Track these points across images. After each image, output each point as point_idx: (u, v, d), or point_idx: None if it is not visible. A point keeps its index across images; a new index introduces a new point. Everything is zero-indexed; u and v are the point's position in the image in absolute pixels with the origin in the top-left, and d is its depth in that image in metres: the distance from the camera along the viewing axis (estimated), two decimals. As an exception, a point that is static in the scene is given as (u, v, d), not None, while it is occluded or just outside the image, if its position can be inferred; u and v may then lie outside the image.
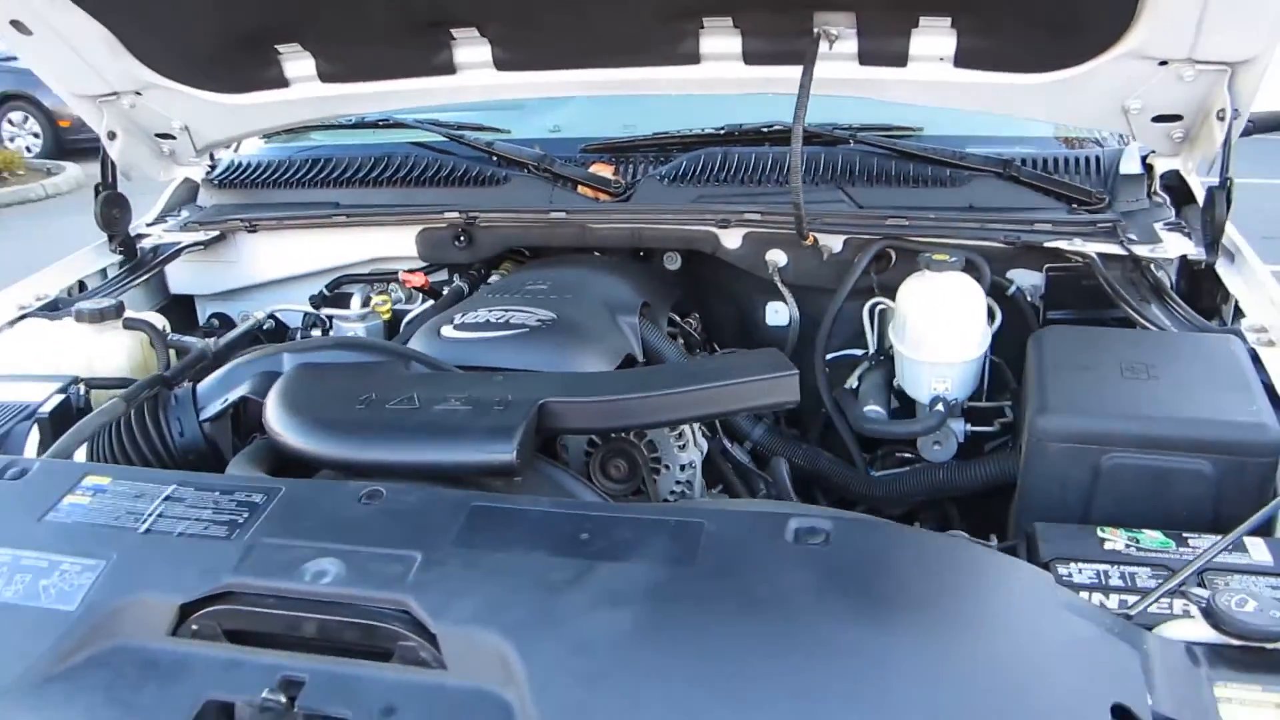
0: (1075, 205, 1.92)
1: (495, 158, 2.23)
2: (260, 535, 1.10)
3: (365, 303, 2.19)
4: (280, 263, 2.30)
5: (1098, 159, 2.05)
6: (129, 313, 1.85)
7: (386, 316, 2.16)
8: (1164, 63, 1.66)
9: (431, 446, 1.29)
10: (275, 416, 1.38)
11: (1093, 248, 1.80)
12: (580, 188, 2.11)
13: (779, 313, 2.13)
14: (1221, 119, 1.71)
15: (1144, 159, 2.02)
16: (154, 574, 1.07)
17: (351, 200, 2.25)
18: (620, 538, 1.06)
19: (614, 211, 2.04)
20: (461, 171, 2.22)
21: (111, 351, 1.78)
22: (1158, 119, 1.82)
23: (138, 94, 2.07)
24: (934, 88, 1.87)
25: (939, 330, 1.61)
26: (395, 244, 2.22)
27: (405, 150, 2.33)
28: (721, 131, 2.20)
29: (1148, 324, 1.62)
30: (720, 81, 1.90)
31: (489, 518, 1.12)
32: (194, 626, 1.01)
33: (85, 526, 1.14)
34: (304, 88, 2.08)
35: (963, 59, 1.78)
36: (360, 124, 2.46)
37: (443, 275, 2.24)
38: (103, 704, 0.94)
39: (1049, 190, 1.95)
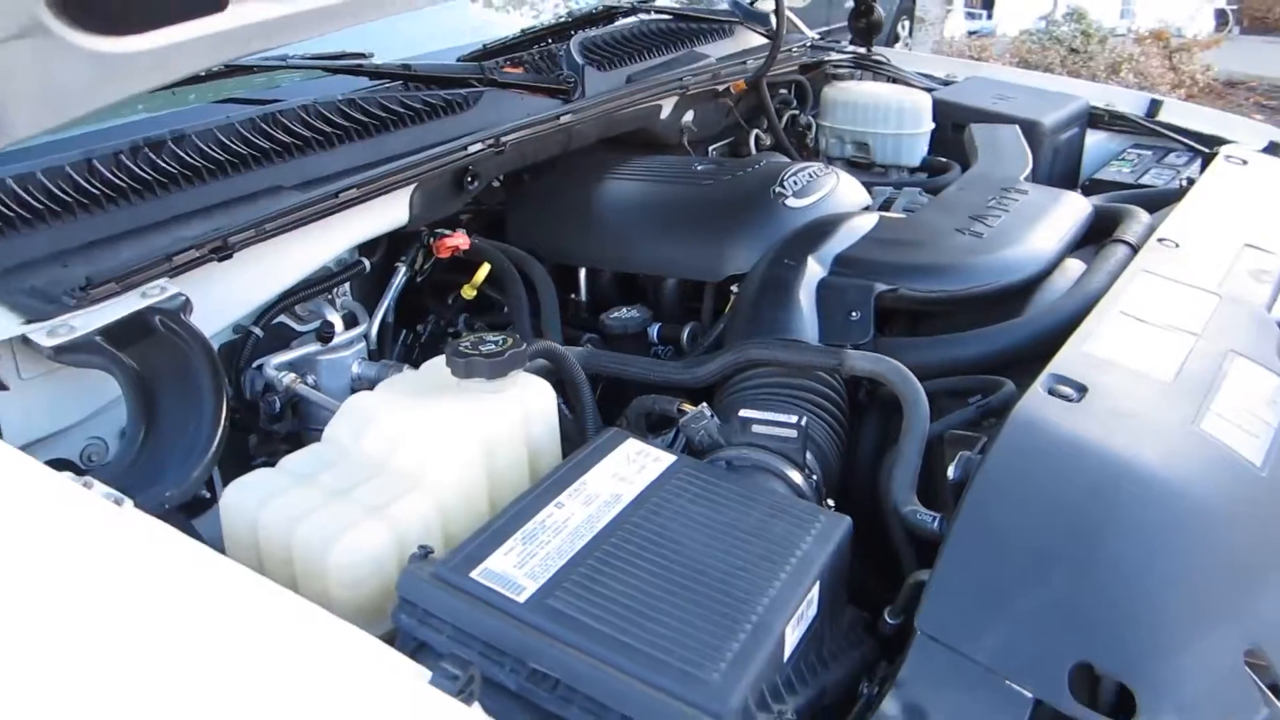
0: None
1: (422, 83, 1.82)
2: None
3: (352, 319, 1.65)
4: (258, 295, 1.50)
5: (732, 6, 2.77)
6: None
7: (471, 295, 1.70)
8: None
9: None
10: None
11: (837, 56, 2.61)
12: (528, 94, 1.94)
13: None
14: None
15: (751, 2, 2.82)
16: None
17: (299, 176, 1.59)
18: None
19: (590, 107, 1.98)
20: (413, 103, 1.76)
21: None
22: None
23: None
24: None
25: (923, 105, 2.25)
26: (375, 216, 1.67)
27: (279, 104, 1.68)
28: (568, 20, 2.21)
29: (915, 84, 2.54)
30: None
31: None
32: None
33: None
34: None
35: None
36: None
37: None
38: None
39: (759, 31, 2.63)
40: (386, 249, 1.76)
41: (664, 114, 2.17)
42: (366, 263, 1.69)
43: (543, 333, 1.62)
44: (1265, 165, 1.85)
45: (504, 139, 1.77)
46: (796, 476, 1.09)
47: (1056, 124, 2.24)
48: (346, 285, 1.71)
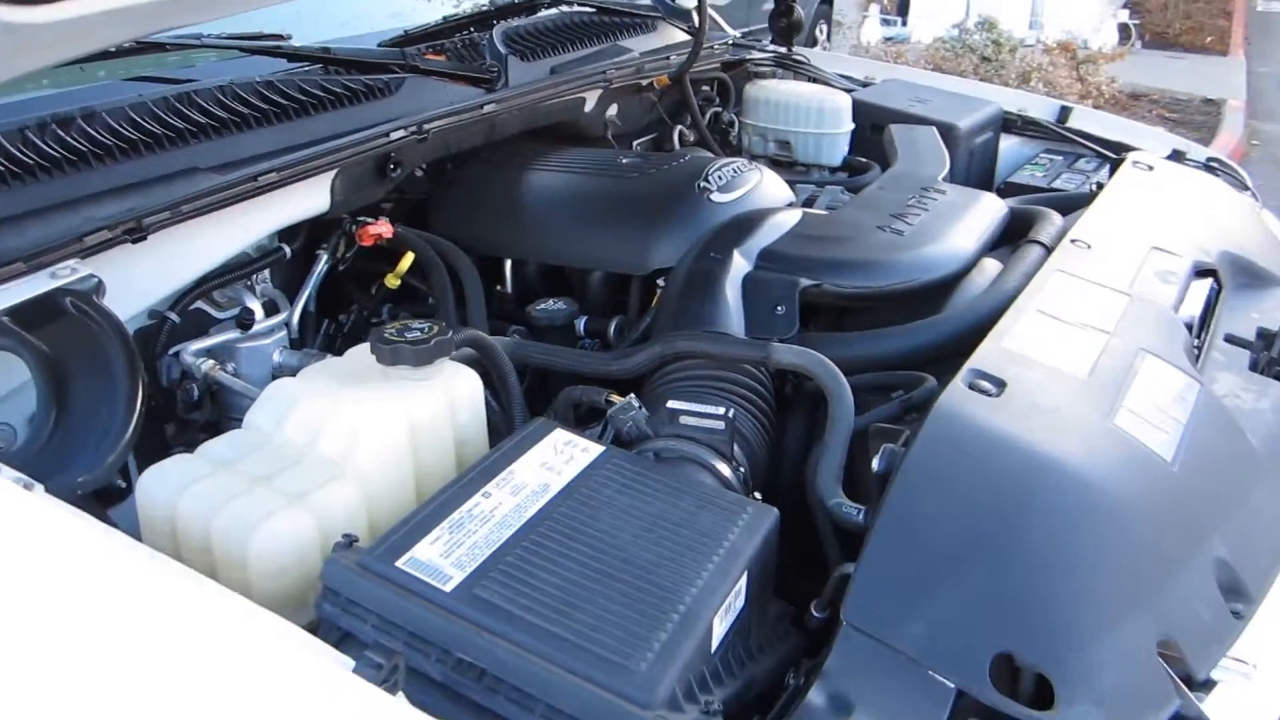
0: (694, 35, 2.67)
1: (341, 66, 1.78)
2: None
3: (273, 307, 1.61)
4: (174, 279, 1.44)
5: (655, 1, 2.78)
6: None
7: (397, 283, 1.66)
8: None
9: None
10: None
11: (759, 55, 2.63)
12: (450, 82, 1.91)
13: None
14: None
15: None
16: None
17: (217, 158, 1.54)
18: None
19: (514, 97, 1.95)
20: (335, 88, 1.72)
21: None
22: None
23: None
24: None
25: (844, 105, 2.27)
26: (295, 202, 1.63)
27: (185, 87, 1.62)
28: (491, 8, 2.18)
29: (835, 84, 2.58)
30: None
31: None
32: None
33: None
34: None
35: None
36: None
37: None
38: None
39: (681, 27, 2.64)
40: (308, 236, 1.71)
41: (588, 107, 2.16)
42: (287, 249, 1.65)
43: (468, 323, 1.60)
44: (1169, 171, 1.93)
45: (427, 126, 1.74)
46: (724, 468, 1.10)
47: (972, 127, 2.30)
48: (266, 272, 1.66)
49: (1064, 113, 2.42)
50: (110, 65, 1.65)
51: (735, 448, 1.14)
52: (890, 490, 0.98)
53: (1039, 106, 2.47)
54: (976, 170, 2.36)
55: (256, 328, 1.57)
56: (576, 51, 2.20)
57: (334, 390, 1.10)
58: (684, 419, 1.11)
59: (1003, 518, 0.96)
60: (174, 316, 1.47)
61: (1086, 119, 2.39)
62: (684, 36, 2.60)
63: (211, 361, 1.43)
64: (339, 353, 1.73)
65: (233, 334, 1.53)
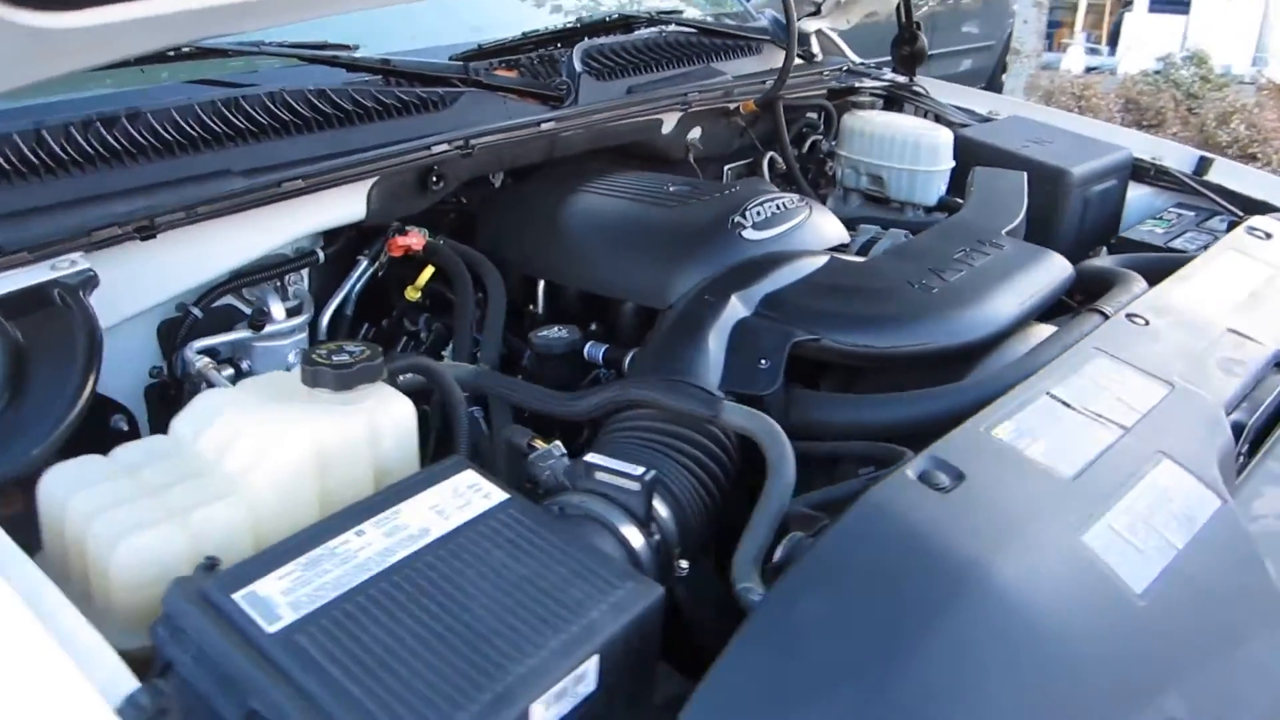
0: (808, 61, 2.55)
1: (400, 78, 1.80)
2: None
3: (297, 309, 1.62)
4: (191, 276, 1.49)
5: (768, 25, 2.68)
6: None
7: (417, 295, 1.66)
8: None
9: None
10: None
11: (871, 83, 2.49)
12: (511, 96, 1.90)
13: None
14: (891, -21, 2.53)
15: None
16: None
17: (251, 162, 1.58)
18: None
19: (579, 115, 1.92)
20: (385, 99, 1.74)
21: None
22: (832, -15, 2.55)
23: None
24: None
25: (943, 141, 2.12)
26: (329, 209, 1.65)
27: (236, 91, 1.68)
28: (578, 25, 2.16)
29: (952, 119, 2.40)
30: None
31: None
32: None
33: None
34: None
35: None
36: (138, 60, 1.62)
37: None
38: None
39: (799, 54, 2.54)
40: (352, 241, 1.73)
41: (666, 129, 2.09)
42: (321, 253, 1.67)
43: (485, 339, 1.57)
44: (1291, 241, 1.68)
45: (474, 141, 1.73)
46: (632, 532, 1.01)
47: (1088, 174, 2.09)
48: (304, 273, 1.69)
49: (1203, 164, 2.16)
50: (174, 68, 1.71)
51: (662, 511, 1.05)
52: (774, 587, 0.87)
53: (1176, 155, 2.21)
54: (1093, 221, 2.14)
55: (274, 328, 1.59)
56: (660, 72, 2.13)
57: (253, 406, 1.08)
58: (599, 474, 1.03)
59: (898, 635, 0.83)
60: (196, 311, 1.51)
61: (1229, 173, 2.13)
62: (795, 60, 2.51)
63: (206, 360, 1.45)
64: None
65: (245, 333, 1.55)
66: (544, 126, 1.83)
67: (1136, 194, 2.24)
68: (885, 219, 2.16)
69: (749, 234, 1.55)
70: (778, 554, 0.92)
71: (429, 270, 1.67)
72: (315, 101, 1.69)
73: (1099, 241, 2.15)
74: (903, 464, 1.00)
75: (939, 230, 1.64)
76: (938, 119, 2.42)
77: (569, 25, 2.19)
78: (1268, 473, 1.16)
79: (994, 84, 6.27)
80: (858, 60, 2.65)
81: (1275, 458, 1.19)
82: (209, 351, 1.53)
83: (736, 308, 1.32)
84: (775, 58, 2.48)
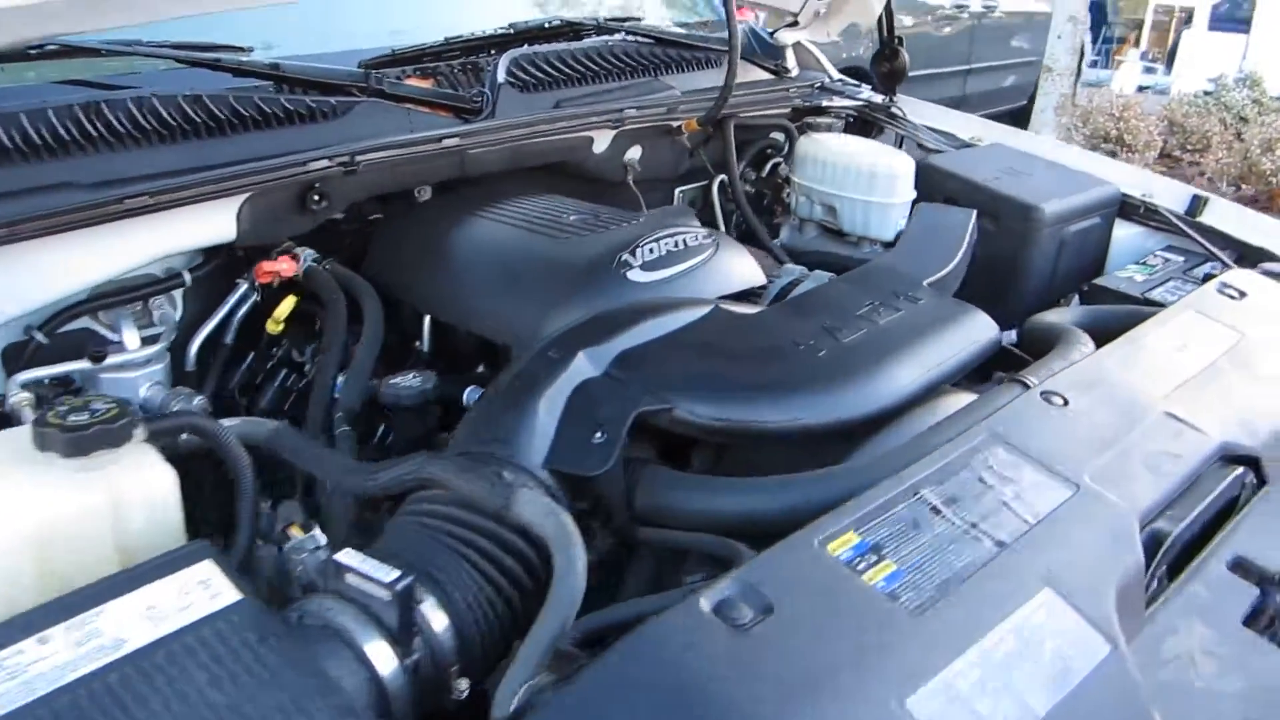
0: (780, 76, 2.36)
1: (292, 85, 1.65)
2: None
3: (155, 337, 1.48)
4: (36, 296, 1.36)
5: (744, 35, 2.49)
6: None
7: (280, 328, 1.51)
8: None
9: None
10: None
11: (844, 102, 2.29)
12: (420, 107, 1.74)
13: None
14: (881, -9, 2.33)
15: (771, 33, 2.52)
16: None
17: (99, 174, 1.44)
18: None
19: (496, 130, 1.75)
20: (267, 108, 1.59)
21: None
22: (820, -6, 2.36)
23: None
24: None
25: (901, 170, 1.92)
26: (192, 229, 1.50)
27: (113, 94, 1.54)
28: (511, 31, 2.00)
29: (926, 144, 2.20)
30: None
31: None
32: None
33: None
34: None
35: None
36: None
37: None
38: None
39: (761, 65, 2.35)
40: (232, 264, 1.59)
41: (599, 148, 1.92)
42: (187, 275, 1.52)
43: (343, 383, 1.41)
44: (1268, 300, 1.46)
45: (360, 157, 1.57)
46: (378, 651, 0.84)
47: (1065, 211, 1.88)
48: (178, 297, 1.55)
49: (1196, 203, 1.94)
50: (41, 67, 1.58)
51: (437, 620, 0.89)
52: None
53: (1169, 192, 1.99)
54: (1069, 263, 1.93)
55: (123, 358, 1.45)
56: (597, 85, 1.96)
57: (-26, 471, 0.93)
58: (350, 577, 0.86)
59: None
60: (39, 336, 1.38)
61: (1224, 214, 1.90)
62: (764, 75, 2.32)
63: (22, 395, 1.31)
64: (259, 389, 1.63)
65: (82, 364, 1.41)
66: (447, 142, 1.67)
67: (1126, 233, 2.03)
68: (839, 254, 1.98)
69: (635, 275, 1.38)
70: (513, 702, 0.75)
71: (290, 301, 1.51)
72: (187, 108, 1.54)
73: (1073, 285, 1.93)
74: (704, 585, 0.82)
75: (852, 278, 1.45)
76: (917, 145, 2.22)
77: (501, 31, 2.02)
78: (1189, 601, 0.96)
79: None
80: (835, 77, 2.46)
81: (1202, 581, 0.98)
82: (63, 380, 1.40)
83: (582, 366, 1.14)
84: (744, 72, 2.30)
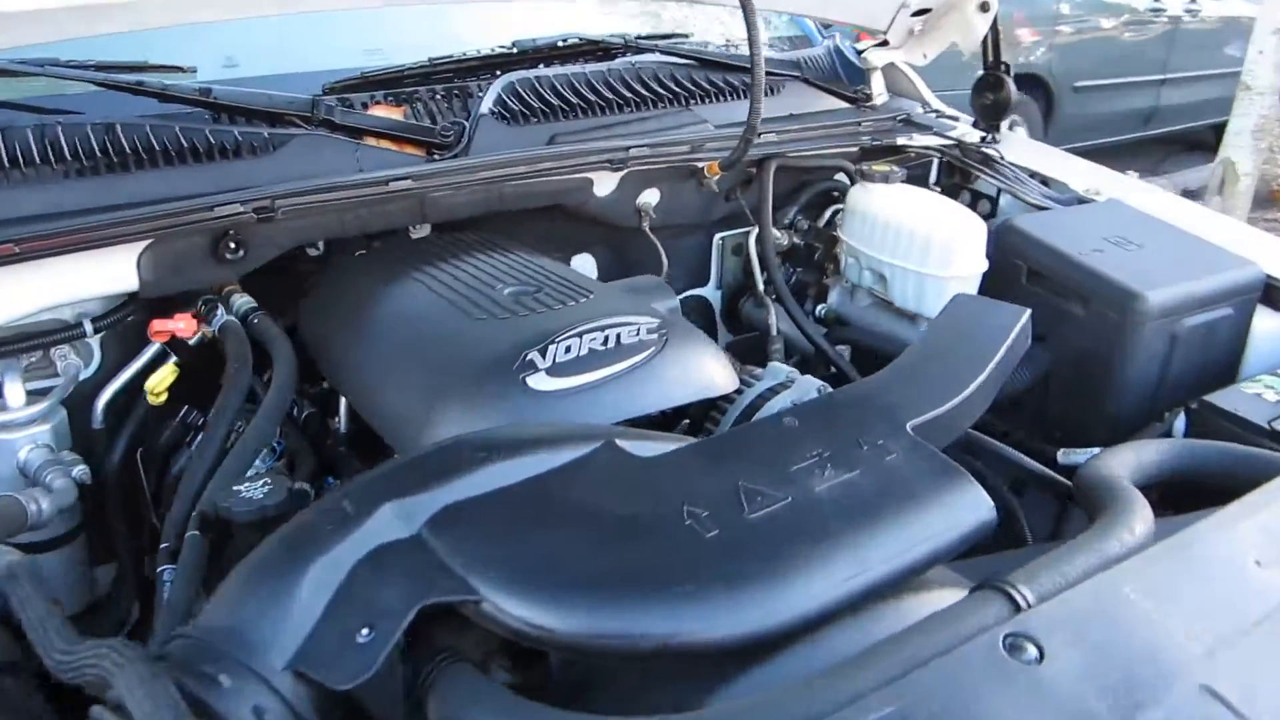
0: (857, 104, 2.00)
1: (226, 113, 1.45)
2: None
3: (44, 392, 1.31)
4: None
5: (821, 57, 2.13)
6: None
7: (162, 399, 1.31)
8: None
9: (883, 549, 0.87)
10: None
11: (925, 140, 1.91)
12: (380, 142, 1.50)
13: (584, 267, 1.79)
14: (985, 10, 1.92)
15: (859, 52, 2.15)
16: None
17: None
18: None
19: (462, 170, 1.49)
20: (186, 141, 1.40)
21: None
22: (914, 13, 1.97)
23: None
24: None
25: (964, 236, 1.55)
26: (87, 278, 1.32)
27: (20, 118, 1.38)
28: (514, 51, 1.73)
29: (1026, 198, 1.80)
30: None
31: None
32: None
33: None
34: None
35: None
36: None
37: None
38: None
39: (833, 91, 1.99)
40: (144, 314, 1.40)
41: (602, 190, 1.63)
42: (88, 325, 1.35)
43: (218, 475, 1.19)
44: None
45: (280, 202, 1.35)
46: None
47: (1179, 301, 1.45)
48: (94, 345, 1.38)
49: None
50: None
51: None
52: None
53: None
54: (1184, 365, 1.51)
55: (4, 418, 1.29)
56: (603, 117, 1.67)
57: None
58: None
59: None
60: None
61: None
62: (835, 103, 1.98)
63: None
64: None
65: (-57, 424, 1.26)
66: (395, 185, 1.42)
67: (1271, 327, 1.57)
68: (884, 334, 1.62)
69: (538, 381, 1.09)
70: None
71: (169, 370, 1.31)
72: (96, 139, 1.36)
73: (1192, 392, 1.50)
74: None
75: (812, 408, 1.09)
76: (1013, 197, 1.82)
77: (500, 50, 1.75)
78: None
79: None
80: (931, 107, 2.07)
81: None
82: None
83: (385, 525, 0.86)
84: (810, 99, 1.96)
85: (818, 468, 0.93)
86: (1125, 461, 1.12)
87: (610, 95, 1.70)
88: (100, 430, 1.39)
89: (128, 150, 1.36)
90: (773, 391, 1.21)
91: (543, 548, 0.85)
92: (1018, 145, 1.98)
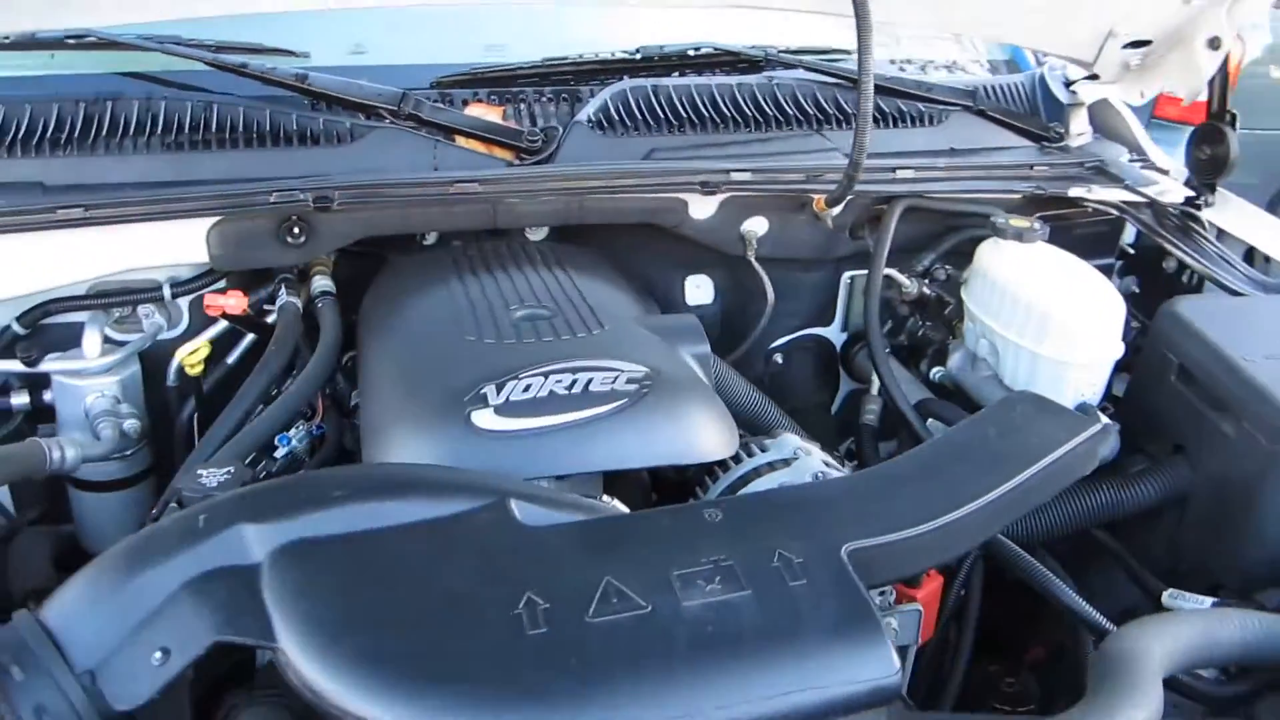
0: (1044, 144, 1.73)
1: (319, 100, 1.48)
2: None
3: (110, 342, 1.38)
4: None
5: (1022, 85, 1.87)
6: None
7: (197, 370, 1.36)
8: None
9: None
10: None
11: (1108, 194, 1.62)
12: (467, 142, 1.47)
13: (700, 288, 1.67)
14: (1215, 47, 1.59)
15: (1068, 85, 1.87)
16: None
17: (68, 177, 1.38)
18: None
19: (538, 179, 1.43)
20: (271, 124, 1.44)
21: None
22: (1129, 45, 1.67)
23: None
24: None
25: (1093, 317, 1.30)
26: (162, 246, 1.38)
27: (130, 89, 1.48)
28: (637, 56, 1.65)
29: (1218, 277, 1.48)
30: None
31: None
32: None
33: None
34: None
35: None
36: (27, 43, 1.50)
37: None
38: None
39: (1014, 126, 1.74)
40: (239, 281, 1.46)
41: (699, 213, 1.51)
42: (167, 290, 1.42)
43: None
44: None
45: (340, 193, 1.35)
46: None
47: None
48: (183, 306, 1.47)
49: None
50: (98, 57, 1.53)
51: None
52: None
53: None
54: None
55: (78, 364, 1.38)
56: (710, 135, 1.54)
57: None
58: None
59: None
60: (17, 327, 1.37)
61: None
62: (1017, 140, 1.73)
63: None
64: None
65: (13, 365, 1.37)
66: (460, 188, 1.38)
67: None
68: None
69: (482, 419, 0.99)
70: None
71: (203, 345, 1.34)
72: (188, 118, 1.43)
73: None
74: None
75: (750, 503, 0.91)
76: (1206, 274, 1.50)
77: (624, 55, 1.65)
78: None
79: None
80: (1139, 155, 1.76)
81: None
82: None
83: (235, 546, 0.81)
84: (980, 133, 1.72)
85: (704, 577, 0.78)
86: (1172, 635, 0.87)
87: (728, 112, 1.57)
88: (174, 388, 1.46)
89: (215, 130, 1.41)
90: (769, 467, 1.05)
91: (358, 609, 0.78)
92: (1236, 211, 1.63)
